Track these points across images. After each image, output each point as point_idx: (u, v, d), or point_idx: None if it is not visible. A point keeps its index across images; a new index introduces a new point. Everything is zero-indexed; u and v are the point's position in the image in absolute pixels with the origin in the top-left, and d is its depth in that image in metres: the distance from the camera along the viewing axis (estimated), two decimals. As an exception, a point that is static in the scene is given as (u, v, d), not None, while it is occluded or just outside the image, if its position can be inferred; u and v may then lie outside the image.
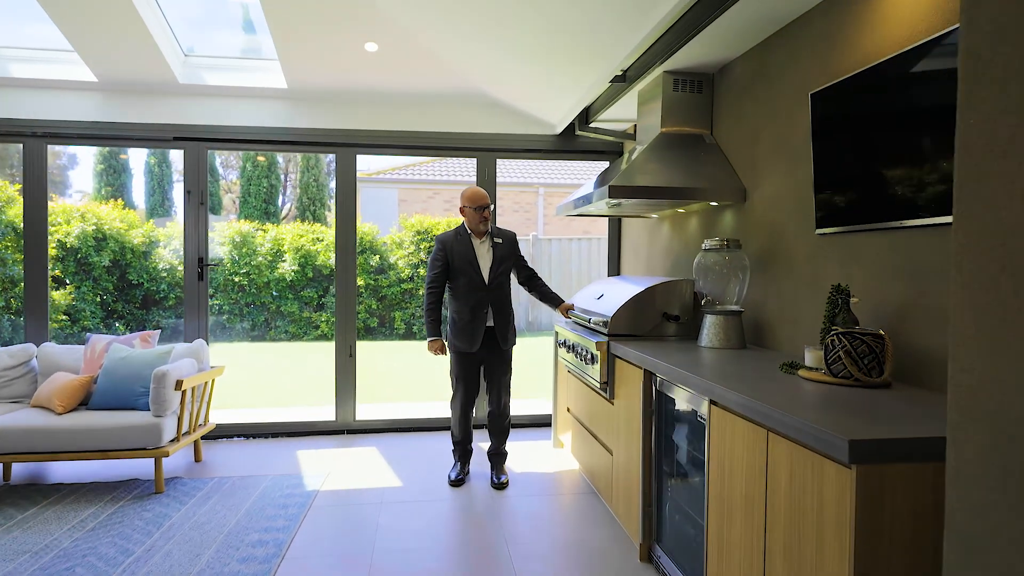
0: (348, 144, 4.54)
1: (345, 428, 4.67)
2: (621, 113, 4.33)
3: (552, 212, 13.76)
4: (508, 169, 14.15)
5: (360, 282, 10.66)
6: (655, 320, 3.08)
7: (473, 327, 3.54)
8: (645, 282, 3.24)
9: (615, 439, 2.99)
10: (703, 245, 2.88)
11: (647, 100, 3.51)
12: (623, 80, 3.53)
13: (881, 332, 1.90)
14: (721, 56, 3.09)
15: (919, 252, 1.94)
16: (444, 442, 4.45)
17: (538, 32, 3.31)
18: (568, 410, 3.96)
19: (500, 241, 3.66)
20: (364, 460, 4.09)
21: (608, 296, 3.38)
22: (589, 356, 3.14)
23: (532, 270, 3.87)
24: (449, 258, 3.57)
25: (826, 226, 2.34)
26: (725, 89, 3.22)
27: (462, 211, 3.62)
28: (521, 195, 13.78)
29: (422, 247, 10.94)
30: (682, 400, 2.31)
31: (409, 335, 11.00)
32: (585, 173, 14.45)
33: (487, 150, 4.69)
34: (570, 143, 4.74)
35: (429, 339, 3.62)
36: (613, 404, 3.02)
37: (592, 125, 4.46)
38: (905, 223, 1.95)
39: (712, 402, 2.01)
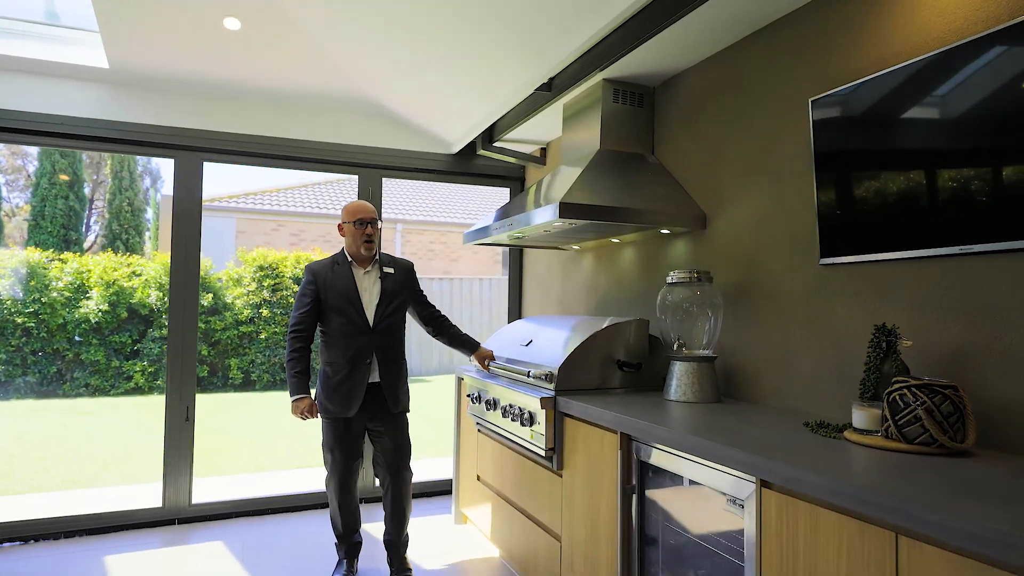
0: (193, 148, 3.57)
1: (177, 516, 3.54)
2: (530, 133, 3.86)
3: (410, 250, 13.03)
4: (362, 203, 13.24)
5: (188, 324, 9.07)
6: (607, 370, 2.54)
7: (351, 384, 2.70)
8: (587, 324, 2.70)
9: (565, 521, 2.37)
10: (668, 278, 2.41)
11: (577, 113, 3.06)
12: (548, 89, 3.04)
13: (955, 385, 1.50)
14: (670, 65, 2.72)
15: (987, 284, 1.59)
16: (319, 524, 3.51)
17: (451, 28, 2.73)
18: (479, 478, 3.26)
19: (391, 271, 2.87)
20: (205, 564, 3.04)
21: (540, 342, 2.79)
22: (526, 416, 2.51)
23: (434, 307, 3.07)
24: (322, 293, 2.74)
25: (836, 255, 1.97)
26: (669, 103, 2.85)
27: (340, 230, 2.82)
28: (377, 231, 12.89)
29: (265, 284, 9.65)
30: (696, 477, 1.77)
31: (247, 385, 9.56)
32: (452, 209, 13.95)
33: (372, 167, 3.96)
34: (466, 165, 4.16)
35: (293, 398, 2.69)
36: (561, 476, 2.41)
37: (497, 145, 3.94)
38: (969, 248, 1.60)
39: (763, 483, 1.48)
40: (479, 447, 3.25)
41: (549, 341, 2.72)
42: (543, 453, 2.42)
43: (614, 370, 2.55)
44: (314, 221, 12.37)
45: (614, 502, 2.06)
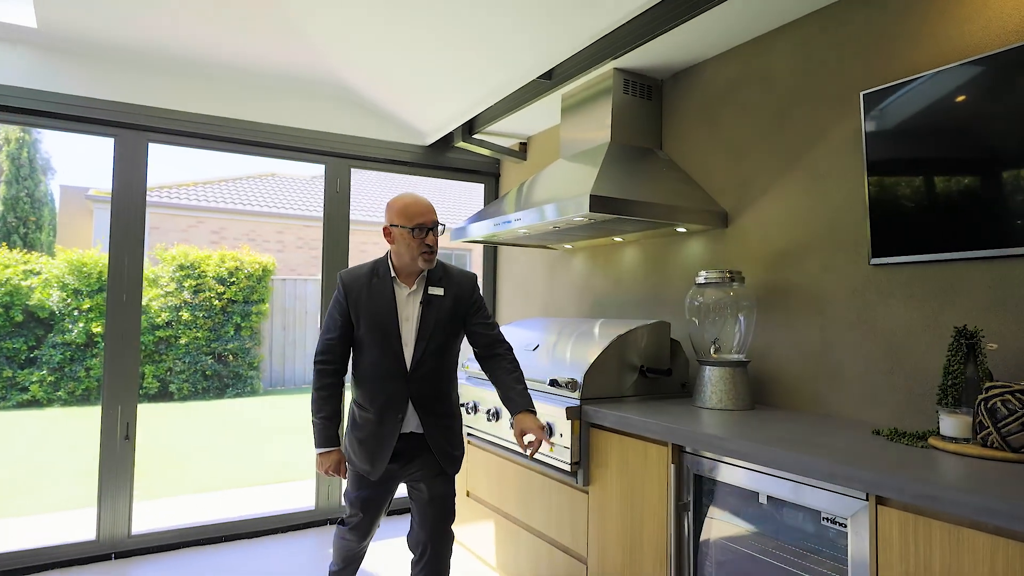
0: (138, 127, 3.12)
1: (114, 551, 3.07)
2: (512, 126, 3.67)
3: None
4: (291, 199, 12.56)
5: (97, 328, 8.24)
6: (626, 376, 2.37)
7: (376, 442, 2.02)
8: (602, 328, 2.53)
9: (592, 541, 2.18)
10: (698, 279, 2.28)
11: (580, 104, 2.89)
12: (548, 77, 2.86)
13: (1053, 388, 1.44)
14: (683, 57, 2.61)
15: (1074, 285, 1.54)
16: (284, 550, 3.13)
17: (444, 4, 2.49)
18: (468, 495, 3.02)
19: (439, 292, 2.07)
20: (159, 604, 2.63)
21: (550, 347, 2.60)
22: (545, 428, 2.30)
23: (497, 337, 2.16)
24: (353, 313, 2.04)
25: (890, 255, 1.89)
26: (681, 97, 2.74)
27: (388, 235, 2.04)
28: (306, 230, 12.26)
29: (186, 286, 8.91)
30: (778, 494, 1.62)
31: (164, 395, 8.78)
32: (383, 207, 13.45)
33: (340, 156, 3.63)
34: (440, 158, 3.90)
35: (318, 449, 2.04)
36: (587, 492, 2.22)
37: (477, 137, 3.71)
38: (1058, 248, 1.55)
39: (880, 500, 1.35)
40: (470, 461, 3.01)
41: (562, 346, 2.53)
42: (567, 468, 2.23)
43: (633, 376, 2.39)
44: (237, 218, 11.58)
45: (662, 520, 1.89)
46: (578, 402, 2.23)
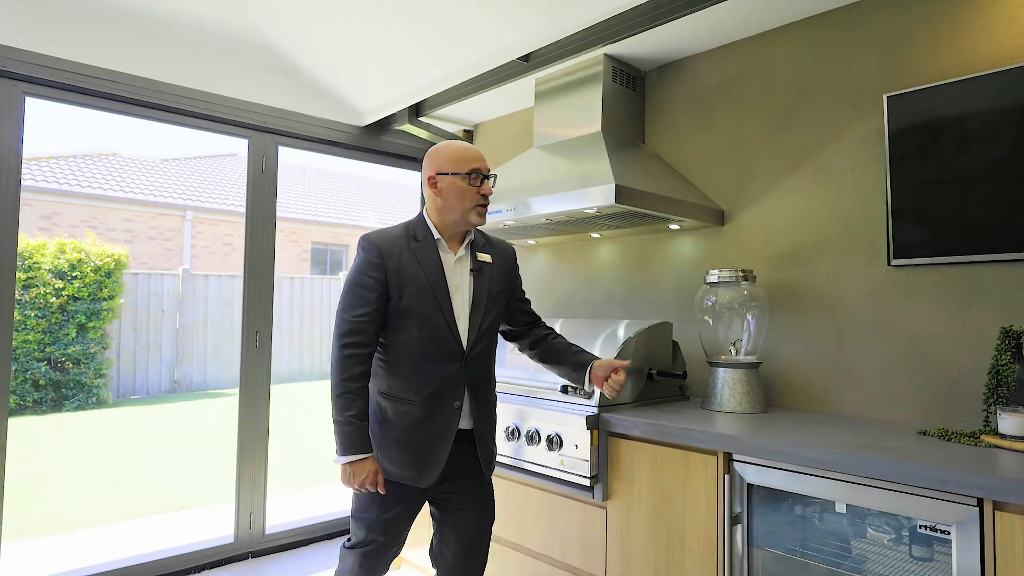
0: (11, 75, 2.45)
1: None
2: (459, 112, 3.41)
3: (202, 242, 11.19)
4: (139, 183, 11.08)
5: None
6: (640, 381, 2.23)
7: (430, 437, 1.69)
8: (596, 328, 2.37)
9: (613, 561, 2.01)
10: (709, 277, 2.20)
11: (560, 90, 2.72)
12: (526, 59, 2.66)
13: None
14: (674, 48, 2.53)
15: (1107, 287, 1.64)
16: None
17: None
18: (432, 514, 2.71)
19: (490, 260, 1.81)
20: None
21: (542, 347, 2.38)
22: (553, 439, 2.10)
23: (537, 317, 2.01)
24: (393, 285, 1.68)
25: (911, 256, 1.92)
26: (667, 90, 2.66)
27: (433, 185, 1.72)
28: (160, 218, 10.87)
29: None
30: (862, 502, 1.55)
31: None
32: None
33: (267, 131, 3.14)
34: (376, 141, 3.53)
35: (347, 458, 1.60)
36: (605, 508, 2.04)
37: (424, 120, 3.39)
38: (1095, 252, 1.63)
39: (996, 505, 1.32)
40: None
41: (556, 348, 2.33)
42: (584, 482, 2.04)
43: (641, 381, 2.25)
44: (73, 202, 9.99)
45: (710, 534, 1.77)
46: (596, 410, 2.05)
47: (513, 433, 2.24)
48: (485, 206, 1.74)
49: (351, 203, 14.98)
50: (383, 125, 3.46)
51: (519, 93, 3.11)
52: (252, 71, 3.06)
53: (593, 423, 2.03)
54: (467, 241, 1.78)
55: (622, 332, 2.24)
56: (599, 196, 2.04)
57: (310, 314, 10.61)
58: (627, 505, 1.98)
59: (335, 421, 1.63)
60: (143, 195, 10.70)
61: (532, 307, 2.00)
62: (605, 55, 2.57)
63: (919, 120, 1.91)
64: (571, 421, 2.05)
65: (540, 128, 2.80)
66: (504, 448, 2.29)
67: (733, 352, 2.16)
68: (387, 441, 1.70)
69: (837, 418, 2.00)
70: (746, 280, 2.18)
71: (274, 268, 3.17)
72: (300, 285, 10.55)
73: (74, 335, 7.73)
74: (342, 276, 11.05)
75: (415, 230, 1.75)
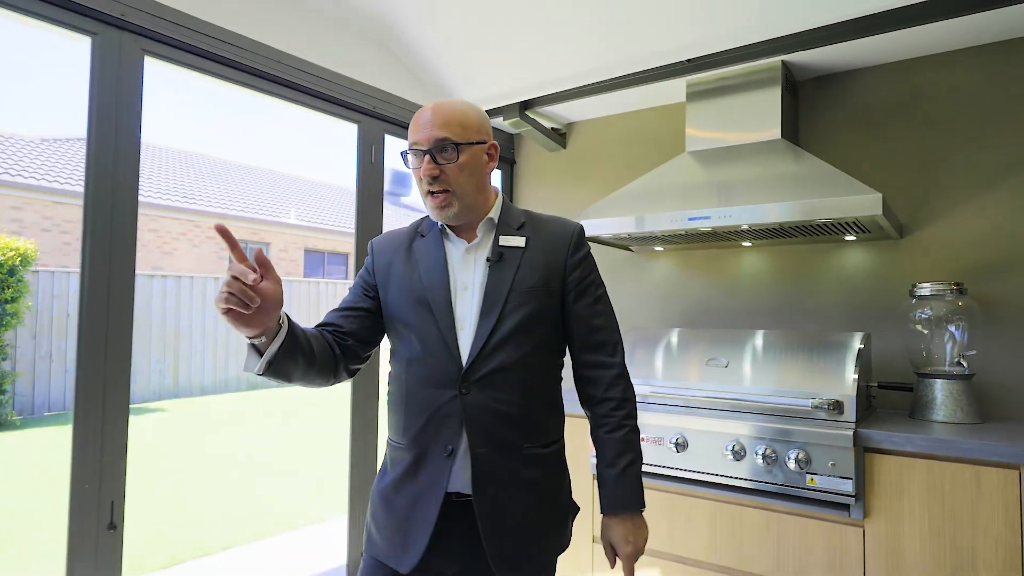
0: (128, 27, 1.96)
1: None
2: (564, 110, 3.23)
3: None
4: (23, 165, 9.53)
5: None
6: (867, 394, 2.21)
7: (414, 495, 1.23)
8: (810, 339, 2.31)
9: (868, 580, 1.96)
10: (917, 290, 2.22)
11: (722, 92, 2.63)
12: (687, 60, 2.57)
13: None
14: (841, 61, 2.54)
15: None
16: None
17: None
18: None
19: (521, 243, 1.30)
20: None
21: (748, 364, 2.29)
22: (800, 458, 2.01)
23: (611, 350, 1.35)
24: (382, 285, 1.36)
25: None
26: (829, 100, 2.67)
27: (488, 157, 1.32)
28: (59, 208, 9.40)
29: None
30: None
31: None
32: (164, 190, 10.93)
33: (377, 117, 2.77)
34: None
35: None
36: (863, 527, 1.99)
37: (530, 115, 3.17)
38: None
39: None
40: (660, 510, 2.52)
41: (770, 363, 2.25)
42: (846, 502, 1.97)
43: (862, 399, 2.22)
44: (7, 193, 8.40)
45: (1011, 548, 1.77)
46: (853, 426, 1.99)
47: (737, 454, 2.12)
48: (434, 194, 1.25)
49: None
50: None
51: (621, 96, 2.98)
52: (363, 50, 2.70)
53: (857, 440, 1.96)
54: (487, 223, 1.32)
55: (854, 343, 2.20)
56: (857, 206, 1.99)
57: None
58: (893, 523, 1.94)
59: None
60: (32, 179, 9.21)
61: (611, 337, 1.34)
62: (783, 60, 2.53)
63: None
64: (830, 437, 1.98)
65: (694, 132, 2.69)
66: (717, 468, 2.16)
67: (966, 365, 2.19)
68: (377, 501, 1.29)
69: (1060, 426, 2.09)
70: (959, 292, 2.22)
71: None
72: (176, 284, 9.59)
73: (-30, 344, 6.49)
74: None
75: (424, 222, 1.40)
